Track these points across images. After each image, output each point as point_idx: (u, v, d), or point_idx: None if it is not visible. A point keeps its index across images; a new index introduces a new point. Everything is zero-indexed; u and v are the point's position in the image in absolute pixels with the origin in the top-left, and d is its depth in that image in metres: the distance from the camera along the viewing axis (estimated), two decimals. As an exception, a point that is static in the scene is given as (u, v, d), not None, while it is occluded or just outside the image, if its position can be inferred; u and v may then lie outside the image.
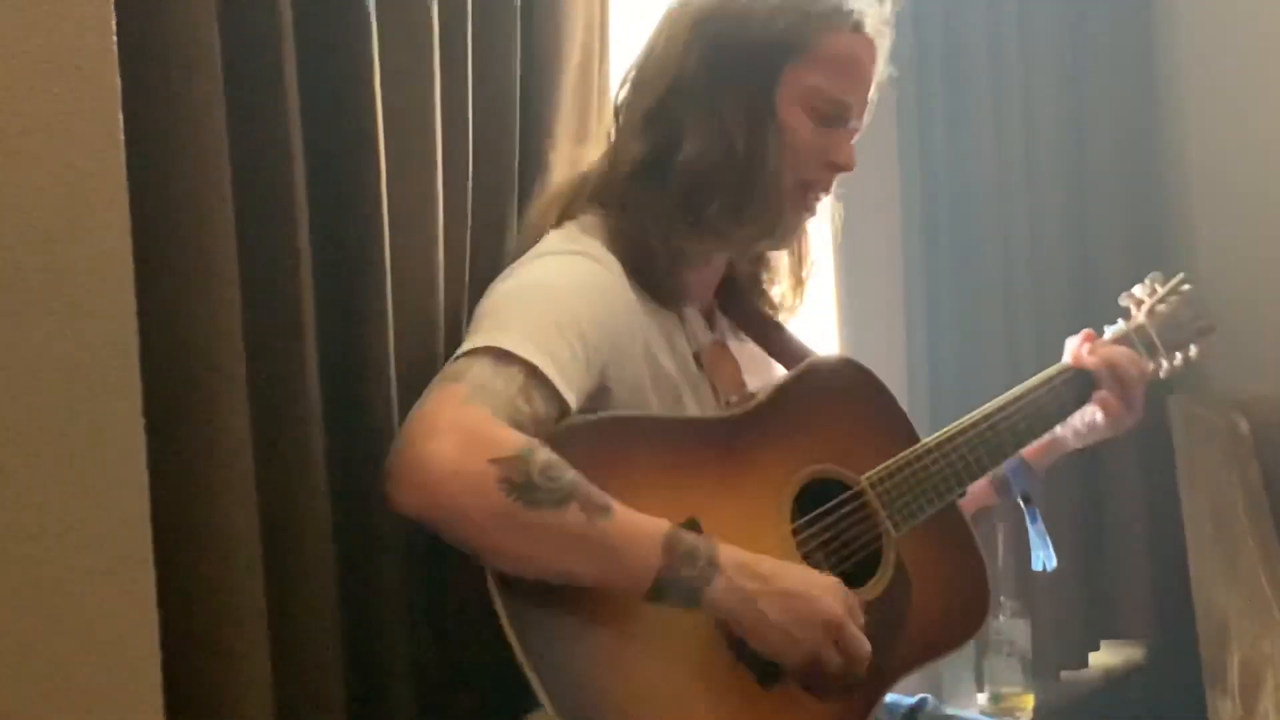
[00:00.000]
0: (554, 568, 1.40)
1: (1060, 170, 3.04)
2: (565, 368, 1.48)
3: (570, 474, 1.39)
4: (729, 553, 1.45)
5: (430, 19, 1.60)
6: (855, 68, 1.68)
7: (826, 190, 1.72)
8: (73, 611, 1.15)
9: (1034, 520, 1.94)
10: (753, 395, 1.70)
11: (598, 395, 1.54)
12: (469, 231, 1.70)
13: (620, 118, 1.71)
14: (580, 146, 1.81)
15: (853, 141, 1.71)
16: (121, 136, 1.19)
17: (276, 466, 1.42)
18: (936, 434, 1.79)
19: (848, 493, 1.68)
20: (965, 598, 1.77)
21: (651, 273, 1.64)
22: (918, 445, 1.76)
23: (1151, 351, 2.00)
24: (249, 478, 1.37)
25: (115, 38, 1.18)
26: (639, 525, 1.42)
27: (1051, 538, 1.96)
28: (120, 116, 1.19)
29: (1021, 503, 1.93)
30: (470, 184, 1.69)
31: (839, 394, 1.76)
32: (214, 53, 1.35)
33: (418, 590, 1.57)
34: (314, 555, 1.46)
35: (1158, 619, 3.08)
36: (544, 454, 1.39)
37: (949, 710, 1.86)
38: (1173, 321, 2.03)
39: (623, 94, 1.72)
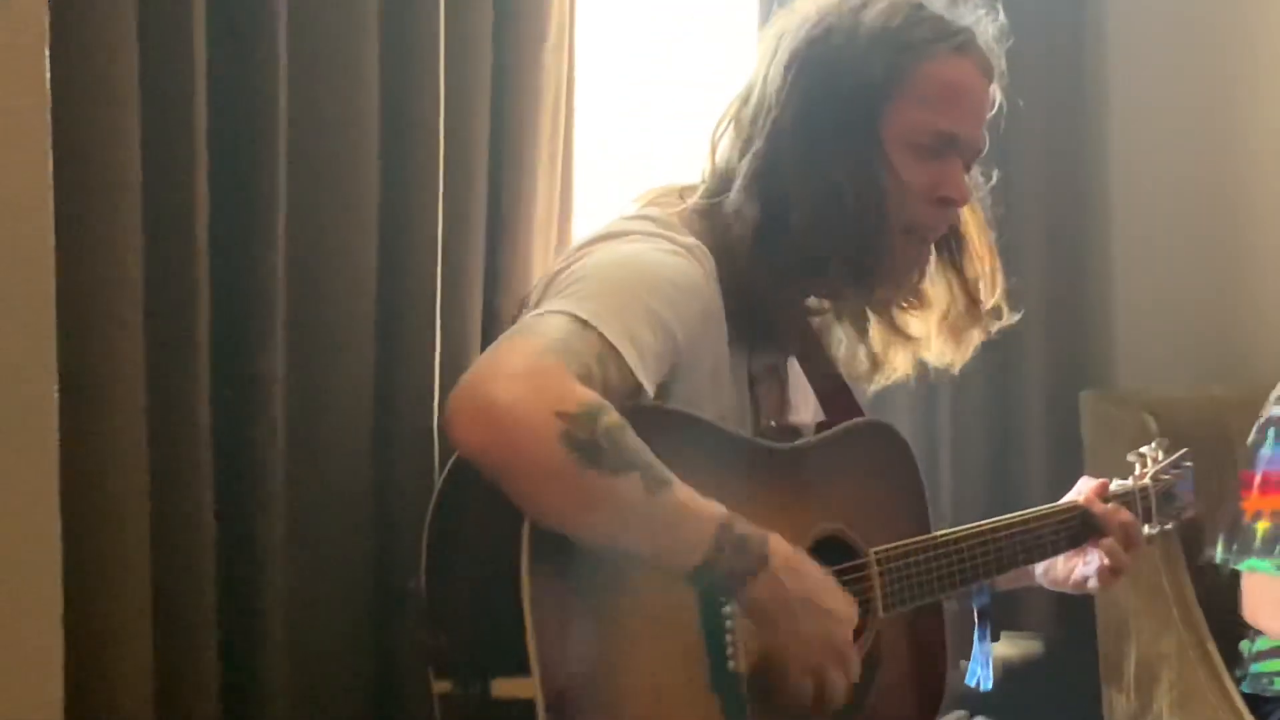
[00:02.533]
0: (603, 531, 1.36)
1: (984, 165, 3.03)
2: (645, 353, 1.43)
3: (635, 442, 1.35)
4: (780, 548, 1.42)
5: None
6: (960, 95, 1.63)
7: (938, 228, 1.67)
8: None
9: (983, 639, 1.94)
10: (796, 431, 1.67)
11: (660, 390, 1.50)
12: (439, 224, 1.68)
13: (719, 156, 1.65)
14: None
15: (968, 173, 1.66)
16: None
17: (165, 446, 1.41)
18: (949, 530, 1.76)
19: (855, 562, 1.64)
20: (918, 698, 1.77)
21: (758, 324, 1.62)
22: (929, 536, 1.73)
23: (1146, 514, 2.02)
24: (142, 459, 1.36)
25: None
26: (696, 505, 1.38)
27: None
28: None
29: (976, 617, 1.91)
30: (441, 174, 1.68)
31: (873, 459, 1.74)
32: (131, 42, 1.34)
33: (298, 576, 1.55)
34: (196, 540, 1.44)
35: (1057, 614, 3.10)
36: (612, 416, 1.34)
37: None
38: (1170, 494, 2.08)
39: (723, 131, 1.66)
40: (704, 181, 1.68)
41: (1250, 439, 2.51)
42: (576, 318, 1.41)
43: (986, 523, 1.82)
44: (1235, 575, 2.51)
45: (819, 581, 1.47)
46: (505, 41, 1.79)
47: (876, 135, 1.60)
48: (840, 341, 1.82)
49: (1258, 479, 2.44)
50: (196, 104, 1.42)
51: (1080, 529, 1.93)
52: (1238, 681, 2.50)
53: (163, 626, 1.41)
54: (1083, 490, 1.98)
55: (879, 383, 1.83)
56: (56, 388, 1.23)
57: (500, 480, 1.34)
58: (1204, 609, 2.63)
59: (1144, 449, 2.11)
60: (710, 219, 1.62)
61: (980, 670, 1.96)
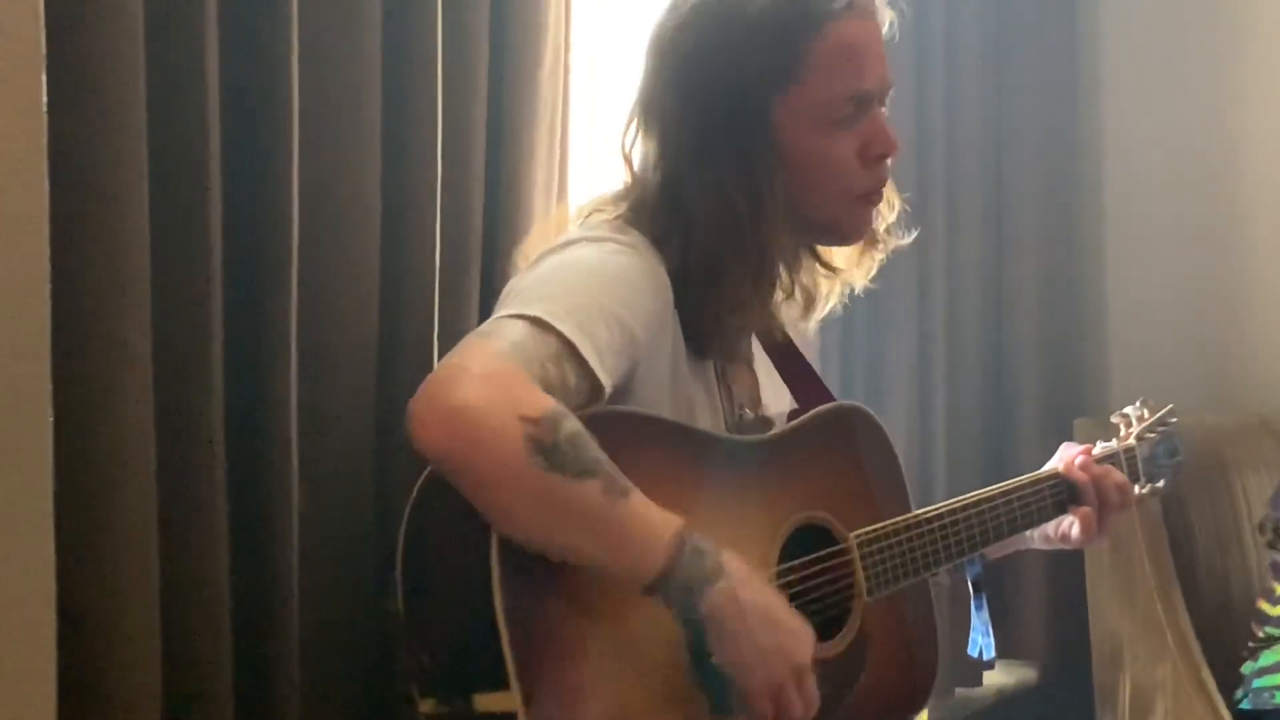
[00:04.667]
0: (561, 540, 1.35)
1: (979, 193, 3.06)
2: (603, 350, 1.43)
3: (595, 450, 1.34)
4: (735, 562, 1.41)
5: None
6: (860, 52, 1.59)
7: (883, 183, 1.65)
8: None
9: (980, 608, 1.92)
10: (768, 421, 1.66)
11: (620, 391, 1.49)
12: (439, 226, 1.68)
13: (635, 164, 1.63)
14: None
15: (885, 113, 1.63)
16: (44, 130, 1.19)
17: (176, 448, 1.41)
18: (929, 508, 1.75)
19: (835, 548, 1.64)
20: (912, 677, 1.75)
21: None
22: (909, 516, 1.72)
23: (1133, 474, 2.01)
24: (149, 464, 1.36)
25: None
26: (654, 516, 1.37)
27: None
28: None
29: (971, 589, 1.91)
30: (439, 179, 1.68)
31: (848, 443, 1.72)
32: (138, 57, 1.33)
33: (308, 578, 1.55)
34: (207, 541, 1.44)
35: (1053, 641, 3.10)
36: (573, 423, 1.34)
37: None
38: (1156, 452, 2.07)
39: (632, 140, 1.64)
40: (628, 188, 1.66)
41: None
42: (533, 319, 1.40)
43: (967, 497, 1.81)
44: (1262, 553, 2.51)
45: (775, 600, 1.45)
46: (503, 65, 1.80)
47: (767, 136, 1.57)
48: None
49: None
50: (210, 115, 1.42)
51: (1064, 496, 1.93)
52: (1237, 701, 2.50)
53: (172, 648, 1.40)
54: (1064, 457, 1.97)
55: (816, 319, 1.82)
56: (50, 406, 1.23)
57: (463, 483, 1.33)
58: (1199, 636, 2.63)
59: (1128, 409, 2.11)
60: (638, 225, 1.60)
61: (981, 639, 1.95)
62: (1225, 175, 3.20)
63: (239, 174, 1.48)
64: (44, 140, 1.21)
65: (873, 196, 1.65)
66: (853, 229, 1.68)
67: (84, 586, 1.29)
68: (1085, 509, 1.91)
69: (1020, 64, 3.13)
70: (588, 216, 1.63)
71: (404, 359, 1.68)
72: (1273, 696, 2.45)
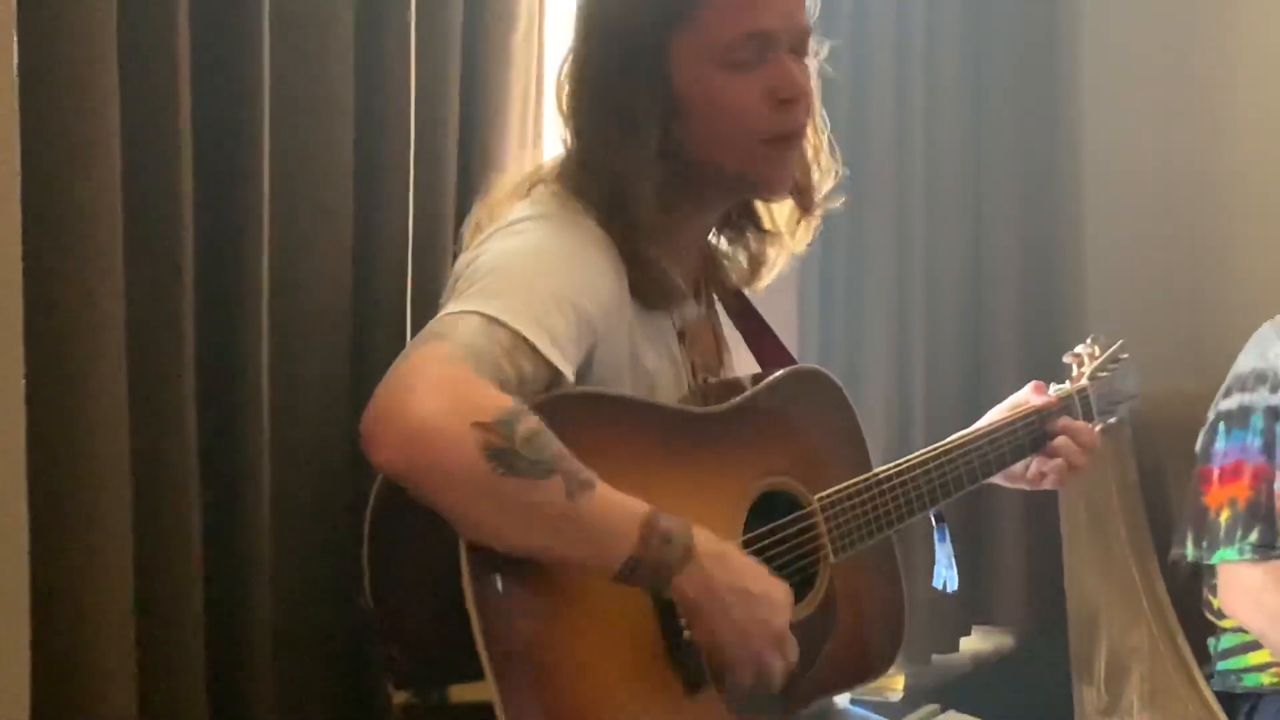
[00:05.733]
0: (525, 540, 1.34)
1: (958, 171, 3.06)
2: (558, 338, 1.41)
3: (554, 445, 1.33)
4: (705, 540, 1.40)
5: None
6: None
7: (796, 128, 1.61)
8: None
9: (942, 540, 1.92)
10: (734, 385, 1.65)
11: (580, 370, 1.48)
12: (410, 222, 1.67)
13: (564, 118, 1.62)
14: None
15: (803, 57, 1.59)
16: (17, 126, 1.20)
17: (150, 437, 1.40)
18: (891, 464, 1.75)
19: (799, 512, 1.64)
20: (880, 632, 1.76)
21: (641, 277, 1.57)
22: (871, 475, 1.72)
23: (1087, 414, 2.02)
24: (124, 449, 1.35)
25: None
26: (619, 504, 1.36)
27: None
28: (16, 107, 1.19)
29: (934, 521, 1.91)
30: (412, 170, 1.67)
31: (808, 406, 1.72)
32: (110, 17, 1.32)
33: (283, 566, 1.55)
34: (182, 531, 1.43)
35: (1029, 608, 3.12)
36: (529, 421, 1.32)
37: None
38: (1109, 388, 2.09)
39: (562, 91, 1.62)
40: (565, 150, 1.64)
41: (1201, 436, 2.53)
42: (484, 315, 1.38)
43: (927, 450, 1.81)
44: (1197, 572, 2.53)
45: (749, 569, 1.45)
46: (477, 31, 1.78)
47: (669, 72, 1.54)
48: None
49: (1215, 473, 2.46)
50: (180, 81, 1.41)
51: (1037, 436, 1.93)
52: (1208, 679, 2.52)
53: (147, 631, 1.40)
54: (1017, 403, 1.98)
55: (764, 281, 1.80)
56: (23, 387, 1.22)
57: (424, 496, 1.32)
58: (1175, 604, 2.64)
59: (1079, 348, 2.13)
60: (575, 189, 1.58)
61: (945, 571, 1.95)
62: (1206, 139, 3.20)
63: (210, 141, 1.47)
64: (15, 104, 1.20)
65: (780, 142, 1.60)
66: (767, 177, 1.62)
67: (58, 566, 1.29)
68: (1062, 440, 1.91)
69: (1000, 50, 3.13)
70: (529, 189, 1.60)
71: (379, 322, 1.67)
72: (1240, 679, 2.46)
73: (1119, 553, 2.73)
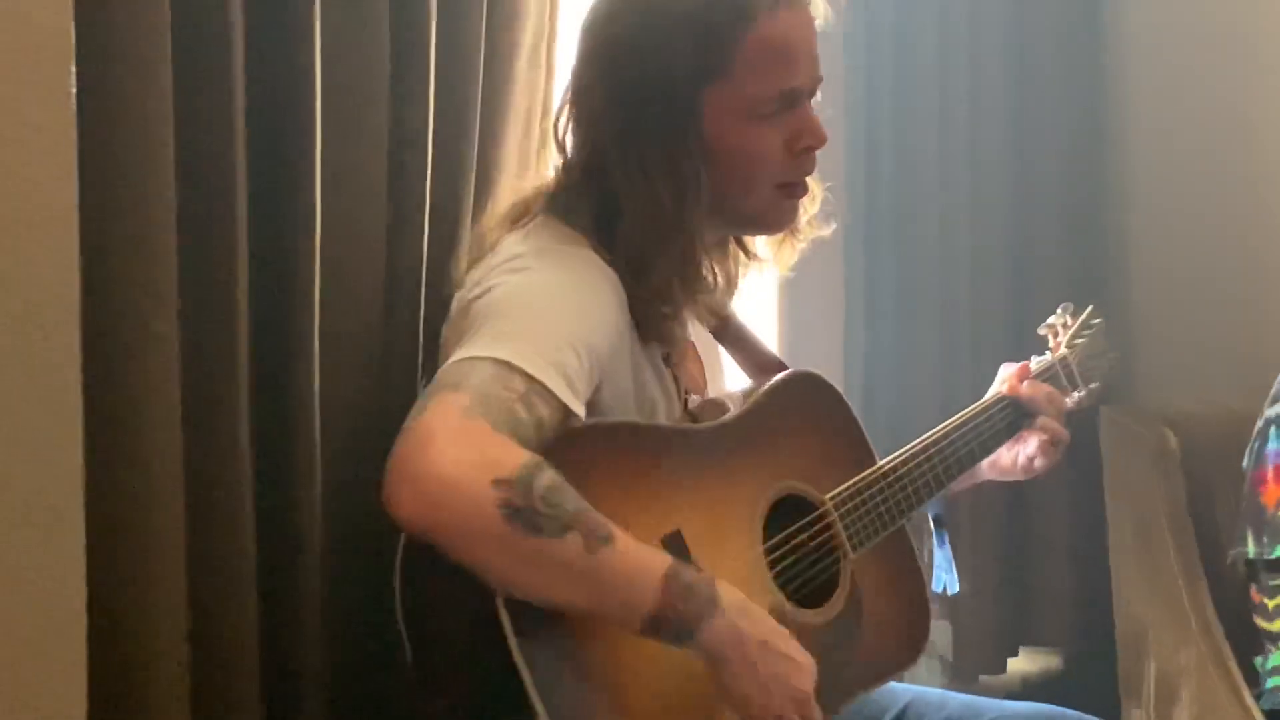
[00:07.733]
0: (548, 595, 1.35)
1: (1003, 181, 3.05)
2: (572, 379, 1.43)
3: (572, 500, 1.34)
4: (728, 592, 1.41)
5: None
6: (792, 48, 1.59)
7: (807, 175, 1.66)
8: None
9: (941, 544, 1.96)
10: (715, 409, 1.67)
11: (589, 403, 1.49)
12: (425, 242, 1.67)
13: (564, 151, 1.64)
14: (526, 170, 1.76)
15: (814, 104, 1.63)
16: (74, 135, 1.21)
17: (204, 449, 1.42)
18: (892, 456, 1.78)
19: (814, 513, 1.66)
20: (908, 620, 1.78)
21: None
22: (876, 467, 1.75)
23: (1071, 383, 2.06)
24: (177, 456, 1.37)
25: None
26: (639, 558, 1.37)
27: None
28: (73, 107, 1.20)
29: (932, 525, 1.93)
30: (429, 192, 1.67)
31: (806, 410, 1.75)
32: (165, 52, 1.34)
33: (337, 588, 1.56)
34: (237, 546, 1.45)
35: (1077, 628, 3.10)
36: (547, 476, 1.33)
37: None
38: (1089, 354, 2.13)
39: (564, 127, 1.64)
40: (556, 177, 1.66)
41: (1252, 442, 2.52)
42: (497, 360, 1.39)
43: (922, 440, 1.84)
44: (1246, 585, 2.51)
45: (775, 628, 1.45)
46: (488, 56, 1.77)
47: (699, 126, 1.56)
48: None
49: (1270, 471, 2.45)
50: (235, 110, 1.43)
51: (1014, 416, 1.96)
52: (1256, 699, 2.49)
53: (200, 642, 1.42)
54: (1004, 379, 2.00)
55: (733, 298, 1.85)
56: (81, 400, 1.24)
57: (448, 552, 1.33)
58: (1223, 623, 2.62)
59: (1051, 319, 2.15)
60: (573, 221, 1.61)
61: (945, 575, 1.99)
62: (1254, 155, 3.17)
63: (264, 169, 1.49)
64: (74, 133, 1.22)
65: (795, 188, 1.66)
66: (776, 219, 1.69)
67: (113, 585, 1.30)
68: (1042, 418, 1.93)
69: (1043, 62, 3.12)
70: (529, 225, 1.61)
71: (398, 349, 1.68)
72: (1291, 696, 2.45)
73: (1167, 572, 2.70)
